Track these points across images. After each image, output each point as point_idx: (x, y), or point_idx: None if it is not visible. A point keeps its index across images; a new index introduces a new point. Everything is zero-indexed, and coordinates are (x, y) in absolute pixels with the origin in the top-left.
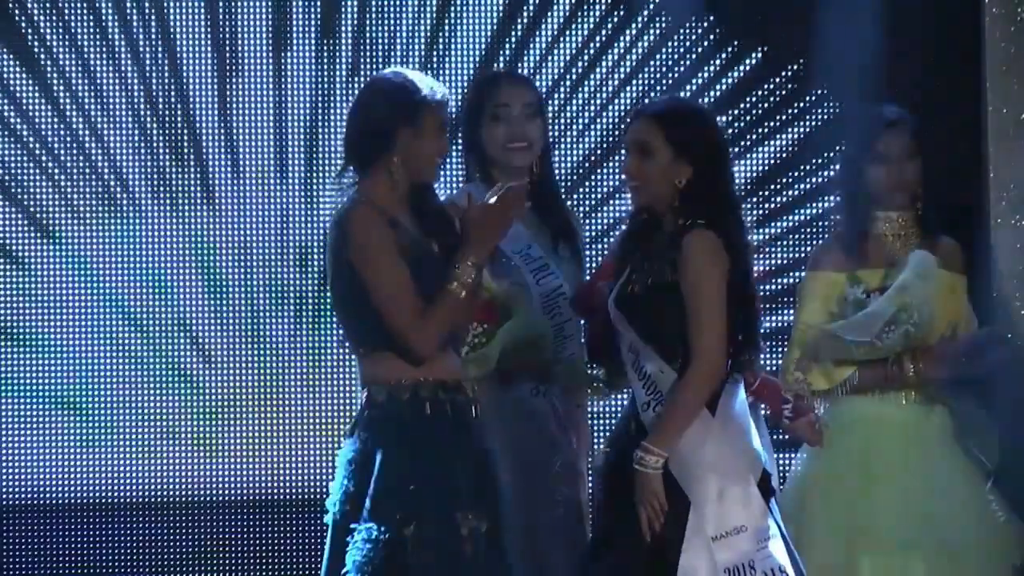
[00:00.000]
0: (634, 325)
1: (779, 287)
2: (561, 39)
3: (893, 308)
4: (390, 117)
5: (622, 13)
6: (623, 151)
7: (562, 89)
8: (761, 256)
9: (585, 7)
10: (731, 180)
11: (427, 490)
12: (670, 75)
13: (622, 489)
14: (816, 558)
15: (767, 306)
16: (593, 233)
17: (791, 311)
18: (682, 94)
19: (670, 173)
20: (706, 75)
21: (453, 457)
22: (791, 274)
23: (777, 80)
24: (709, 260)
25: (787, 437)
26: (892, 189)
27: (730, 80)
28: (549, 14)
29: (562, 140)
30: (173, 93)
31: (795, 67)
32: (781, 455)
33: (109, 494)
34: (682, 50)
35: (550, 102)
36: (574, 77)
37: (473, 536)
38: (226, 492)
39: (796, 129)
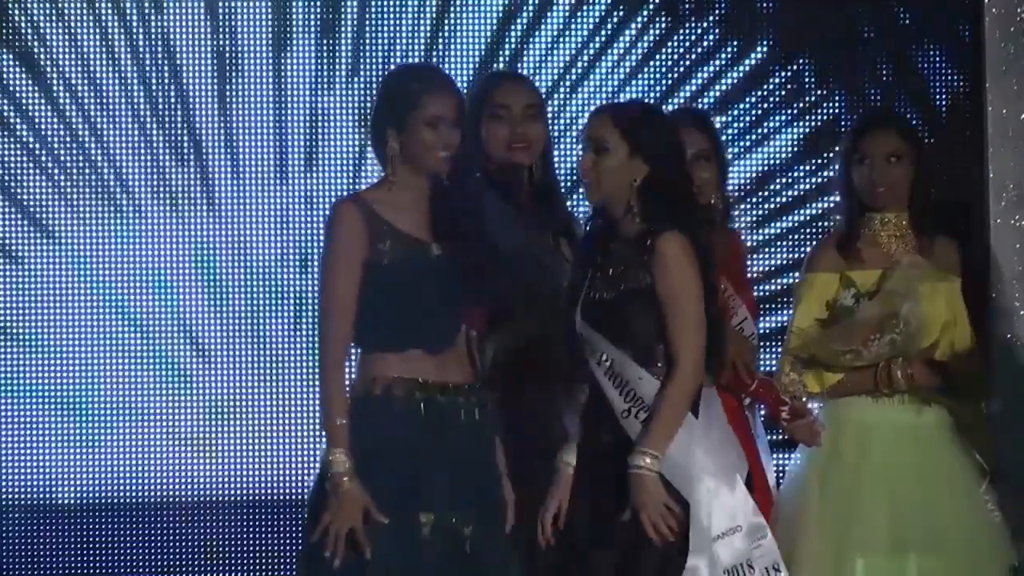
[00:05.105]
0: (606, 333)
1: (778, 287)
2: (561, 37)
3: (879, 316)
4: (378, 115)
5: (623, 11)
6: (580, 148)
7: (562, 88)
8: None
9: (586, 5)
10: (689, 181)
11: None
12: (671, 73)
13: (606, 496)
14: (810, 559)
15: (766, 306)
16: None
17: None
18: (685, 91)
19: (625, 171)
20: (708, 72)
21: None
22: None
23: (780, 77)
24: (686, 263)
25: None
26: (873, 189)
27: (733, 77)
28: (550, 12)
29: (562, 140)
30: (173, 93)
31: (798, 64)
32: (779, 455)
33: (108, 494)
34: (683, 48)
35: (550, 102)
36: (575, 76)
37: (438, 536)
38: (225, 492)
39: (798, 128)
